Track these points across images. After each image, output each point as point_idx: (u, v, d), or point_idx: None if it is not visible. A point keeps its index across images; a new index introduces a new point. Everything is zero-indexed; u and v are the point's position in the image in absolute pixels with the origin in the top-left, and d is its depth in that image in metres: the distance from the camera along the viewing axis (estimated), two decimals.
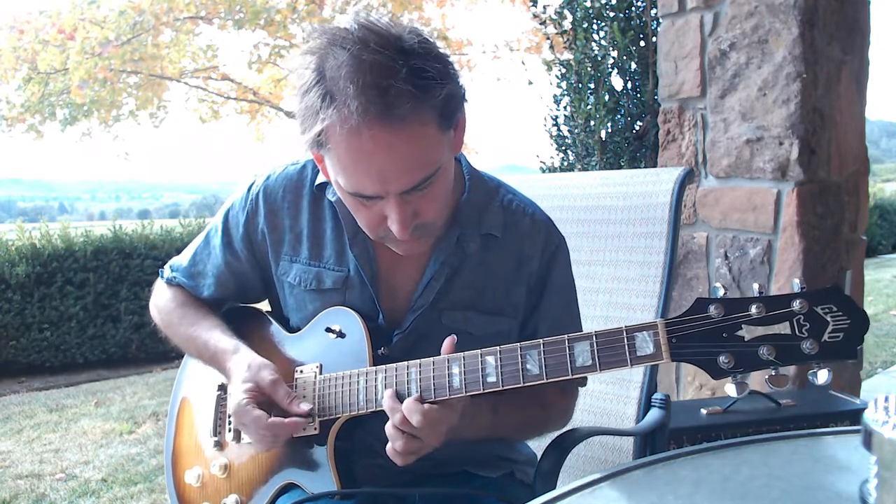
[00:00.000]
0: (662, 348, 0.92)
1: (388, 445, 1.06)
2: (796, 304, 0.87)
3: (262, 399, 1.13)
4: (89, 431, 4.24)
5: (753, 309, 0.88)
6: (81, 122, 12.12)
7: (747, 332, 0.89)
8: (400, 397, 1.07)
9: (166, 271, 1.37)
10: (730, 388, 0.91)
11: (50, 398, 5.19)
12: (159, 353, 6.33)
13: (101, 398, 5.07)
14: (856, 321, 0.86)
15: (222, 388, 1.28)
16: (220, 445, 1.27)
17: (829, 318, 0.86)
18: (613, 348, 0.96)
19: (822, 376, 0.87)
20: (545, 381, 1.00)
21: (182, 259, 1.36)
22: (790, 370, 0.89)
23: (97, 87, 11.07)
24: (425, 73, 0.98)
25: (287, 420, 1.11)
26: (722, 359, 0.89)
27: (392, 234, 1.07)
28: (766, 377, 0.89)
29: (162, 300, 1.36)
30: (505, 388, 1.02)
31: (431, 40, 1.02)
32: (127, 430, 4.23)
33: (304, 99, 1.01)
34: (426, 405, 1.03)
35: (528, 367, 1.00)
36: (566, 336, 0.99)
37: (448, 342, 1.06)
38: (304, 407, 1.13)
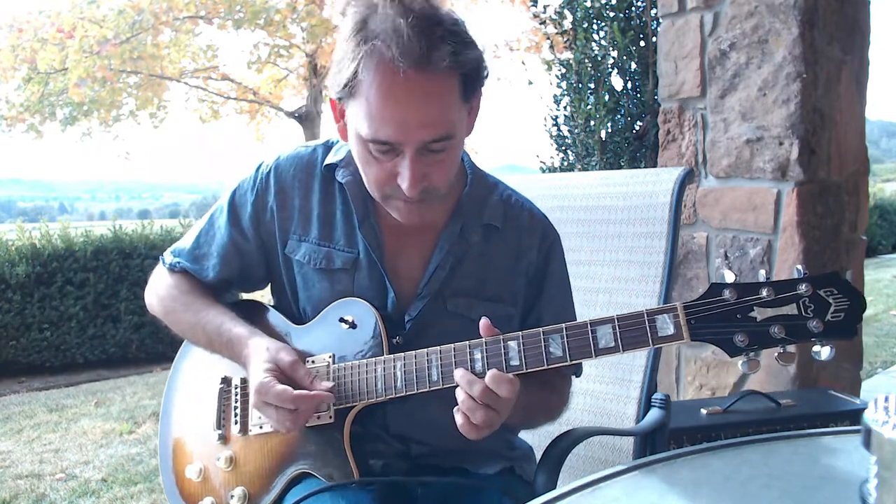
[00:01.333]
0: (682, 329, 0.98)
1: (461, 420, 1.05)
2: (802, 288, 0.94)
3: (283, 380, 1.13)
4: (89, 431, 4.24)
5: (764, 292, 0.95)
6: (81, 122, 12.12)
7: (759, 314, 0.95)
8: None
9: (167, 257, 1.35)
10: (743, 367, 0.96)
11: (50, 398, 5.19)
12: (159, 353, 6.33)
13: (101, 398, 5.07)
14: (854, 302, 0.93)
15: (225, 381, 1.28)
16: (223, 439, 1.26)
17: (830, 300, 0.93)
18: (636, 330, 1.00)
19: (825, 352, 0.93)
20: (568, 362, 1.03)
21: (184, 243, 1.35)
22: (795, 351, 0.95)
23: (97, 87, 11.07)
24: (462, 35, 1.06)
25: (313, 392, 1.11)
26: (738, 337, 0.95)
27: (399, 193, 1.10)
28: (776, 355, 0.96)
29: (163, 288, 1.34)
30: (528, 370, 1.05)
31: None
32: (127, 430, 4.23)
33: (343, 46, 1.06)
34: (511, 376, 1.04)
35: (552, 350, 1.04)
36: (588, 321, 1.03)
37: (485, 324, 1.07)
38: (326, 384, 1.13)
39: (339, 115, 1.14)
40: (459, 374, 1.05)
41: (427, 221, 1.20)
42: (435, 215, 1.21)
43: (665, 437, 1.46)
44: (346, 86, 1.06)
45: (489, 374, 1.03)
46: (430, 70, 1.01)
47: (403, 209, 1.14)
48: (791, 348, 0.95)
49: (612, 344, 1.01)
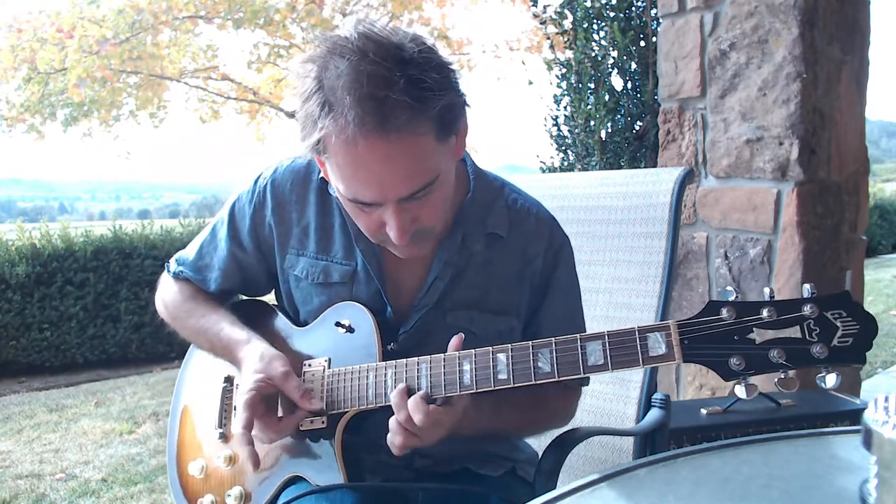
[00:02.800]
0: (675, 349, 0.93)
1: (388, 436, 1.07)
2: (807, 309, 0.88)
3: (272, 391, 1.13)
4: (89, 431, 4.24)
5: (765, 312, 0.89)
6: (82, 123, 12.12)
7: (758, 336, 0.90)
8: (410, 393, 1.07)
9: (172, 265, 1.37)
10: (739, 391, 0.91)
11: (50, 398, 5.18)
12: (159, 353, 6.34)
13: (101, 398, 5.07)
14: (865, 326, 0.88)
15: (228, 380, 1.28)
16: (224, 437, 1.26)
17: (838, 323, 0.87)
18: (625, 348, 0.96)
19: (831, 380, 0.88)
20: (556, 379, 1.00)
21: (188, 252, 1.36)
22: (797, 377, 0.91)
23: (97, 87, 11.06)
24: (423, 84, 0.98)
25: (280, 423, 1.13)
26: (733, 361, 0.90)
27: (391, 238, 1.08)
28: (776, 380, 0.90)
29: (169, 294, 1.35)
30: (516, 385, 1.02)
31: (433, 48, 1.02)
32: (127, 430, 4.23)
33: (304, 106, 1.02)
34: (431, 406, 1.03)
35: (540, 365, 1.00)
36: (578, 335, 1.00)
37: (456, 340, 1.07)
38: (317, 404, 1.13)
39: (321, 164, 1.11)
40: (395, 393, 1.06)
41: (426, 251, 1.18)
42: (434, 243, 1.19)
43: (665, 437, 1.46)
44: (315, 151, 1.04)
45: (410, 399, 1.04)
46: (391, 134, 0.97)
47: (401, 250, 1.12)
48: (793, 373, 0.89)
49: (602, 362, 0.97)
